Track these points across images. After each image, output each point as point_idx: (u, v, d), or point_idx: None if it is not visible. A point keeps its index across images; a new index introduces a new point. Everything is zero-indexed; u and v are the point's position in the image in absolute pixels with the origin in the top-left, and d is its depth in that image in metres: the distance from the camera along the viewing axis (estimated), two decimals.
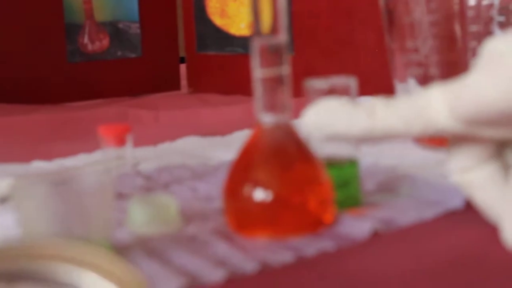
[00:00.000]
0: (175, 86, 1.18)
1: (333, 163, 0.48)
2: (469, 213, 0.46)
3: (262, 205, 0.44)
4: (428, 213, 0.48)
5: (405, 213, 0.48)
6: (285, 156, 0.45)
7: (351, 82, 0.48)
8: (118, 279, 0.27)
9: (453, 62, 0.64)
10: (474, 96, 0.40)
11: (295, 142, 0.45)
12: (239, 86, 1.07)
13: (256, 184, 0.44)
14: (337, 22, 1.00)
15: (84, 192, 0.42)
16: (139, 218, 0.47)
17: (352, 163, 0.49)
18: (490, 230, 0.43)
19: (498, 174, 0.43)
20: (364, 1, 0.92)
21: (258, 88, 0.45)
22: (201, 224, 0.47)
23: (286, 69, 0.45)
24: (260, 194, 0.44)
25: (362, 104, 0.42)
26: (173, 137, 0.77)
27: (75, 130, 0.85)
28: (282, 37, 0.44)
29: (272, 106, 0.45)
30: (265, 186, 0.44)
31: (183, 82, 1.18)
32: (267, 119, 0.45)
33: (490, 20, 0.63)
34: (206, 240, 0.44)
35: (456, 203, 0.49)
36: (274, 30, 0.44)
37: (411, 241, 0.44)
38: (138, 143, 0.68)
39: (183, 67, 1.19)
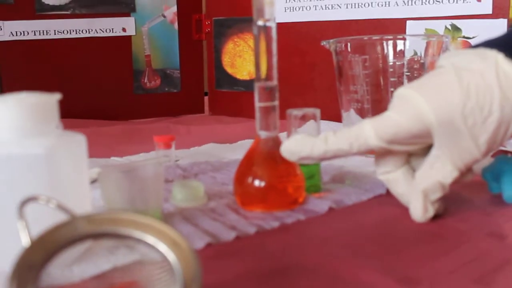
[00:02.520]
0: (201, 110, 1.17)
1: (303, 163, 0.47)
2: (389, 198, 0.45)
3: (258, 189, 0.43)
4: (364, 197, 0.47)
5: (349, 196, 0.47)
6: (274, 158, 0.44)
7: (316, 111, 0.47)
8: (166, 236, 0.26)
9: (378, 100, 0.64)
10: (390, 125, 0.39)
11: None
12: (241, 111, 1.06)
13: (255, 176, 0.43)
14: (305, 74, 0.99)
15: (144, 178, 0.41)
16: (179, 196, 0.45)
17: (315, 163, 0.48)
18: (403, 209, 0.42)
19: (407, 174, 0.42)
20: (322, 60, 0.91)
21: (257, 114, 0.44)
22: (218, 200, 0.46)
23: (276, 102, 0.44)
24: (257, 182, 0.43)
25: (319, 135, 0.41)
26: (200, 143, 0.76)
27: (137, 137, 0.84)
28: (274, 82, 0.44)
29: (266, 126, 0.44)
30: (260, 177, 0.43)
31: (206, 108, 1.18)
32: (263, 134, 0.44)
33: (401, 74, 0.63)
34: (222, 212, 0.43)
35: (381, 191, 0.48)
36: (268, 77, 0.43)
37: (353, 214, 0.43)
38: (178, 147, 0.67)
39: (206, 99, 1.18)
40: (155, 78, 1.11)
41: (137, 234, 0.26)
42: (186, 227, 0.39)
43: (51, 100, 0.33)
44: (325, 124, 0.82)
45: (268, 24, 0.42)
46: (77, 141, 0.35)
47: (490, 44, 0.40)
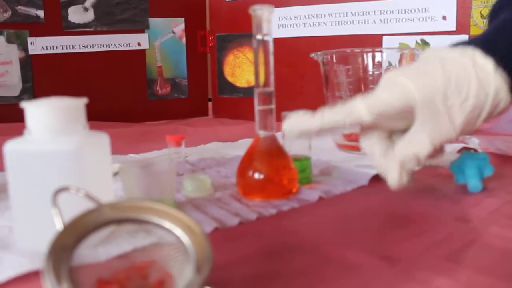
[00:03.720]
0: (206, 114, 1.17)
1: (296, 158, 0.47)
2: (370, 188, 0.45)
3: (258, 181, 0.43)
4: (349, 187, 0.47)
5: (336, 187, 0.47)
6: (271, 154, 0.44)
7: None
8: (181, 221, 0.26)
9: None
10: (380, 102, 0.38)
11: (277, 146, 0.44)
12: (240, 114, 1.06)
13: (255, 169, 0.43)
14: (296, 82, 0.99)
15: (159, 172, 0.40)
16: (189, 187, 0.45)
17: (307, 158, 0.48)
18: (382, 198, 0.42)
19: (388, 148, 0.40)
20: (311, 70, 0.91)
21: (257, 116, 0.44)
22: (223, 191, 0.46)
23: (272, 106, 0.44)
24: (257, 175, 0.43)
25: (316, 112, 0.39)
26: (205, 142, 0.76)
27: (151, 137, 0.83)
28: (271, 88, 0.43)
29: (264, 126, 0.43)
30: (260, 171, 0.43)
31: (210, 112, 1.17)
32: (262, 133, 0.44)
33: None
34: (227, 201, 0.43)
35: (363, 182, 0.48)
36: (266, 84, 0.43)
37: (340, 202, 0.43)
38: (187, 145, 0.67)
39: (210, 104, 1.17)
40: (166, 86, 1.11)
41: (156, 220, 0.25)
42: (196, 214, 0.39)
43: (79, 104, 0.32)
44: None
45: (266, 38, 0.42)
46: (102, 140, 0.34)
47: (468, 43, 0.40)
